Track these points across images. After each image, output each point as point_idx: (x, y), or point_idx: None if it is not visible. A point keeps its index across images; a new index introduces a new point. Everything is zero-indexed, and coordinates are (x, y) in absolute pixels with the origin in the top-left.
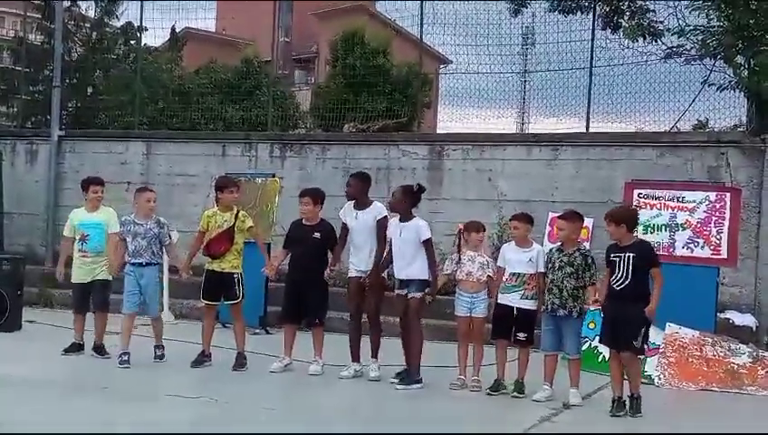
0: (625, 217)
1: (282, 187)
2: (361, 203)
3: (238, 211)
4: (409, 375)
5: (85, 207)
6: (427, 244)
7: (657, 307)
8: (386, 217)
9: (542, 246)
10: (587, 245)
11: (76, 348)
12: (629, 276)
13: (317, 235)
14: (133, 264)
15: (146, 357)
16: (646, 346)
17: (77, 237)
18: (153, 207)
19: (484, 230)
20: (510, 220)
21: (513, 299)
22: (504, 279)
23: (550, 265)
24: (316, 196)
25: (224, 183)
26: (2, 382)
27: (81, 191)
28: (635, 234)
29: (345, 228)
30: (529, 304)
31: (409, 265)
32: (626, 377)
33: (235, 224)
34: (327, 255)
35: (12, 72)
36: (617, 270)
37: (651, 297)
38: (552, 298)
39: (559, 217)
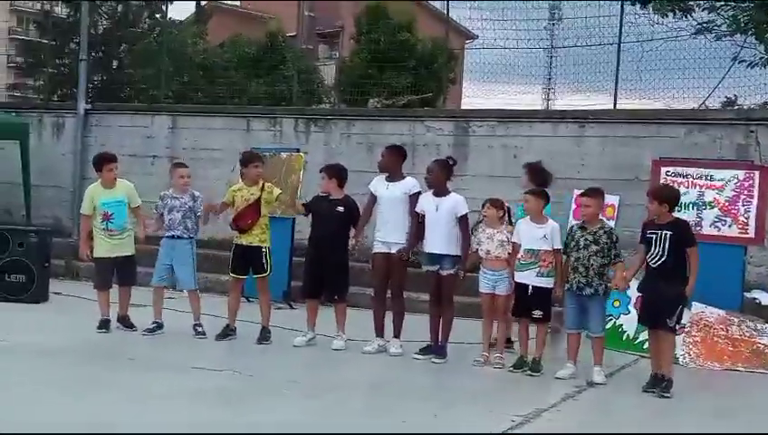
0: (668, 197)
1: (306, 162)
2: (394, 176)
3: (264, 184)
4: (436, 351)
5: (102, 184)
6: (464, 220)
7: (693, 288)
8: (419, 192)
9: (567, 223)
10: (612, 223)
11: (107, 324)
12: (665, 254)
13: (340, 208)
14: (167, 237)
15: (173, 330)
16: (678, 326)
17: (99, 217)
18: (187, 182)
19: (501, 208)
20: (523, 194)
21: (528, 277)
22: (519, 256)
23: (573, 244)
24: (331, 171)
25: (249, 158)
26: (29, 352)
27: (96, 171)
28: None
29: (372, 199)
30: (545, 282)
31: (444, 240)
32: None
33: (261, 196)
34: (349, 230)
35: (38, 45)
36: (653, 247)
37: (690, 276)
38: (578, 277)
39: (582, 195)
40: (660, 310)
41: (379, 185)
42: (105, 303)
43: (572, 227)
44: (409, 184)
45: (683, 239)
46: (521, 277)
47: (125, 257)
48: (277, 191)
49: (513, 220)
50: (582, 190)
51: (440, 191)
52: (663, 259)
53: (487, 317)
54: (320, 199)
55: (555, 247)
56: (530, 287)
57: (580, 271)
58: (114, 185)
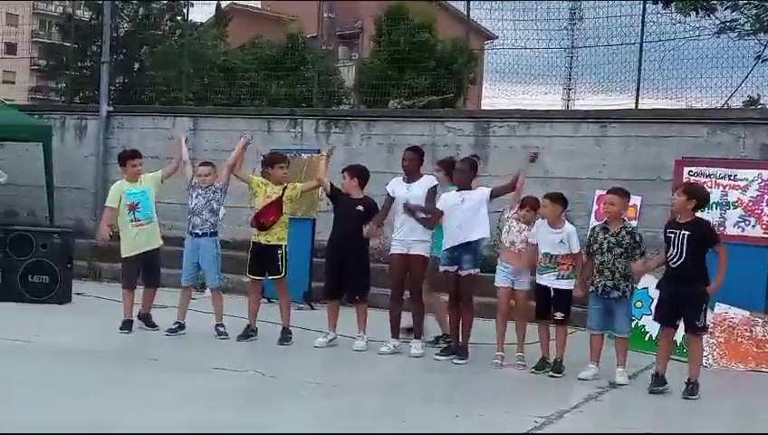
0: (698, 194)
1: (333, 151)
2: (413, 176)
3: (286, 185)
4: (458, 352)
5: (126, 180)
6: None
7: (721, 283)
8: (436, 185)
9: (588, 224)
10: (634, 223)
11: (129, 324)
12: (683, 254)
13: (360, 208)
14: (191, 234)
15: (195, 330)
16: (706, 325)
17: (126, 209)
18: (205, 180)
19: (532, 209)
20: (542, 198)
21: (549, 279)
22: (538, 260)
23: (597, 247)
24: (353, 171)
25: (273, 159)
26: (52, 352)
27: (120, 166)
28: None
29: (389, 200)
30: (565, 284)
31: (471, 231)
32: (686, 360)
33: (283, 195)
34: None
35: (60, 48)
36: (671, 247)
37: (718, 274)
38: (604, 280)
39: (608, 192)
40: (686, 313)
41: (397, 186)
42: (129, 303)
43: (594, 228)
44: (427, 181)
45: (704, 239)
46: (541, 280)
47: (151, 256)
48: (300, 186)
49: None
50: (606, 190)
51: (466, 188)
52: (681, 260)
53: (502, 313)
54: (341, 195)
55: (573, 251)
56: (551, 290)
57: (606, 274)
58: (137, 179)
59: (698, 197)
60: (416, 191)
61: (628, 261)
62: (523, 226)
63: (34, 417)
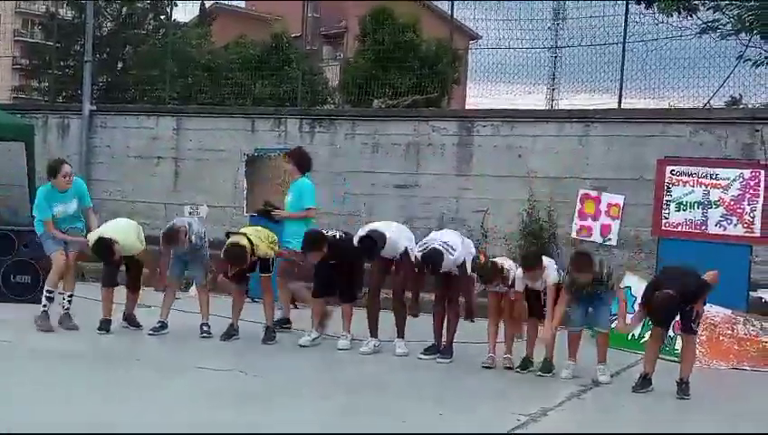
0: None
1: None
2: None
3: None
4: (442, 351)
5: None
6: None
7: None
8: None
9: (572, 223)
10: (617, 222)
11: (107, 324)
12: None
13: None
14: None
15: (178, 330)
16: (697, 327)
17: None
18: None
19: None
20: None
21: (539, 286)
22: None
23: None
24: (314, 247)
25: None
26: (33, 352)
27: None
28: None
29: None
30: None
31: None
32: (671, 358)
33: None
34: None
35: (43, 47)
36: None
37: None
38: (589, 289)
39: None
40: (682, 314)
41: None
42: (108, 303)
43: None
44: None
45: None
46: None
47: (132, 256)
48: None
49: None
50: (590, 189)
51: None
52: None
53: (493, 317)
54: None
55: (551, 284)
56: (542, 293)
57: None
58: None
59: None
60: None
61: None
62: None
63: (13, 417)
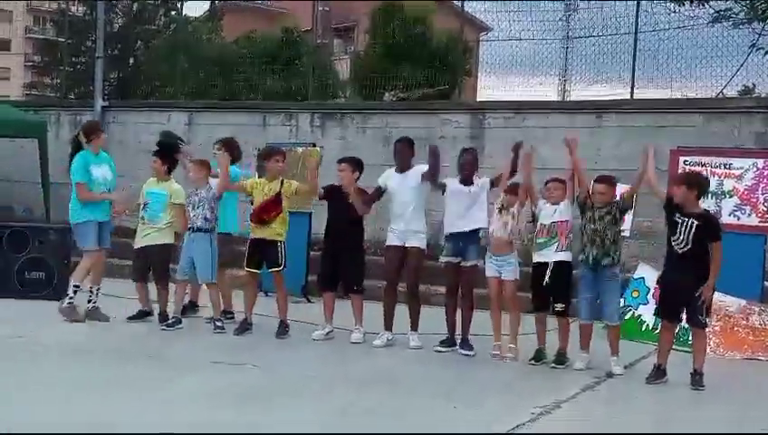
0: (698, 182)
1: (322, 156)
2: (405, 168)
3: (282, 179)
4: (463, 345)
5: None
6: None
7: (713, 286)
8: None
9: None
10: (630, 213)
11: (142, 315)
12: (689, 243)
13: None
14: (189, 229)
15: (192, 324)
16: (708, 319)
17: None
18: (199, 178)
19: (512, 193)
20: (552, 182)
21: (547, 255)
22: (537, 232)
23: (590, 215)
24: (353, 163)
25: (270, 152)
26: (47, 348)
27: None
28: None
29: (378, 190)
30: (564, 256)
31: (476, 217)
32: (685, 349)
33: (281, 189)
34: (363, 220)
35: (55, 44)
36: (677, 233)
37: (710, 274)
38: (596, 249)
39: (596, 181)
40: (689, 307)
41: (389, 179)
42: (140, 295)
43: (584, 205)
44: (418, 169)
45: (709, 233)
46: (540, 256)
47: (153, 252)
48: (295, 184)
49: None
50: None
51: (469, 181)
52: (687, 248)
53: (495, 304)
54: (334, 188)
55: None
56: (549, 265)
57: (597, 243)
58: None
59: (698, 184)
60: (408, 183)
61: (616, 227)
62: (502, 212)
63: (26, 416)
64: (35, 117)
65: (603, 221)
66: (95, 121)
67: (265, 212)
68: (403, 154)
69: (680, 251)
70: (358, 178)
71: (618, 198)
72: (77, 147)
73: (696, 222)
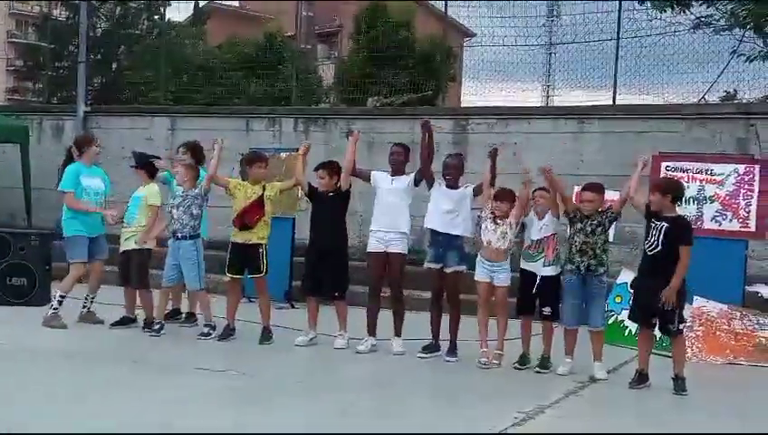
0: (670, 187)
1: (306, 161)
2: (399, 172)
3: (265, 184)
4: (448, 351)
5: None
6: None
7: (676, 288)
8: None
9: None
10: (610, 233)
11: (127, 321)
12: (660, 245)
13: (331, 194)
14: (173, 236)
15: (176, 330)
16: (682, 326)
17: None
18: (186, 181)
19: (502, 200)
20: (538, 190)
21: (536, 267)
22: (526, 247)
23: (579, 226)
24: (331, 168)
25: (252, 158)
26: (30, 355)
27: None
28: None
29: (368, 173)
30: (551, 271)
31: (460, 224)
32: (667, 354)
33: (263, 193)
34: (345, 224)
35: (37, 48)
36: (650, 236)
37: (675, 276)
38: (587, 259)
39: (584, 189)
40: (651, 310)
41: (380, 179)
42: (130, 301)
43: (574, 216)
44: (408, 177)
45: (678, 235)
46: (527, 266)
47: (128, 256)
48: (278, 184)
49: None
50: (582, 185)
51: (455, 185)
52: (657, 249)
53: (483, 309)
54: (318, 193)
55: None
56: (538, 278)
57: (589, 254)
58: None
59: (671, 190)
60: (398, 185)
61: (606, 236)
62: (498, 222)
63: (12, 419)
64: (17, 122)
65: (595, 235)
66: (88, 134)
67: (247, 216)
68: (400, 159)
69: (650, 253)
70: (337, 181)
71: (607, 205)
72: (69, 159)
73: (666, 224)
